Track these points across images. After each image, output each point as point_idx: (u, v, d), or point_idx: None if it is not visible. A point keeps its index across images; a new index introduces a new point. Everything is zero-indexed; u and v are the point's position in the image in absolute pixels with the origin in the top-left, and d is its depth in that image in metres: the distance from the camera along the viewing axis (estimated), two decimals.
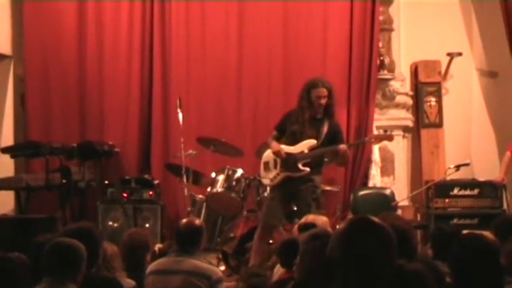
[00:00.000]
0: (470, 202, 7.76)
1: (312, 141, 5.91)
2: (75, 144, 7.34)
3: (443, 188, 7.70)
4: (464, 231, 3.75)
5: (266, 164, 6.15)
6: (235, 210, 6.96)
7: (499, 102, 8.45)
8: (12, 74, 7.97)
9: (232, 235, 6.81)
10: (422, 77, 8.34)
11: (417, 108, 8.38)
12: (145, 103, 8.11)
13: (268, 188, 6.42)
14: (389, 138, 6.54)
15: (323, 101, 5.88)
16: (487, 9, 8.31)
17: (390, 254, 2.28)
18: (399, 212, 7.44)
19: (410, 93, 8.40)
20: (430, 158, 8.23)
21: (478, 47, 8.48)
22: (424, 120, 8.32)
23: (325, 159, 6.32)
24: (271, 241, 5.96)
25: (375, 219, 2.33)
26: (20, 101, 8.05)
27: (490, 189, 7.71)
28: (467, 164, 7.32)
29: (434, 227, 5.18)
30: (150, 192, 7.43)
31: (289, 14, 8.12)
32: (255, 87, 8.12)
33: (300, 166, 5.90)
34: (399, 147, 8.25)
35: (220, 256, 6.46)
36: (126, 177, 7.58)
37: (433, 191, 7.58)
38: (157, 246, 6.06)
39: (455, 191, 7.77)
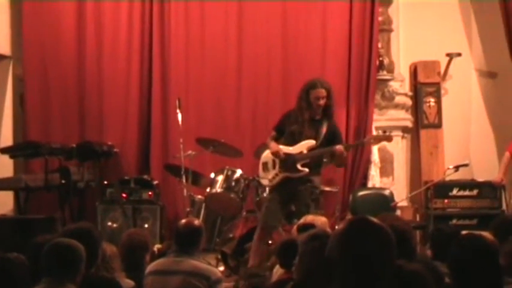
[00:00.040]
0: (469, 203, 7.76)
1: (311, 142, 5.90)
2: (74, 145, 7.34)
3: (443, 189, 7.70)
4: (464, 232, 3.75)
5: (265, 164, 6.14)
6: (234, 211, 6.95)
7: (498, 102, 8.44)
8: (12, 74, 7.96)
9: (231, 235, 6.80)
10: (421, 78, 8.34)
11: (416, 108, 8.38)
12: (145, 103, 8.11)
13: (267, 189, 6.41)
14: (389, 138, 6.53)
15: (322, 102, 5.87)
16: (486, 9, 8.31)
17: (389, 254, 2.28)
18: (398, 212, 7.45)
19: (410, 93, 8.40)
20: (429, 159, 8.23)
21: (477, 48, 8.48)
22: (423, 121, 8.31)
23: (324, 160, 6.31)
24: (270, 242, 5.96)
25: (374, 219, 2.33)
26: (19, 101, 8.05)
27: (489, 189, 7.71)
28: (466, 165, 7.32)
29: (434, 228, 5.19)
30: (149, 193, 7.43)
31: (288, 14, 8.11)
32: (254, 88, 8.12)
33: (299, 167, 5.89)
34: (398, 147, 8.26)
35: (220, 256, 6.46)
36: (126, 178, 7.58)
37: (432, 192, 7.58)
38: (157, 246, 6.05)
39: (455, 192, 7.77)
